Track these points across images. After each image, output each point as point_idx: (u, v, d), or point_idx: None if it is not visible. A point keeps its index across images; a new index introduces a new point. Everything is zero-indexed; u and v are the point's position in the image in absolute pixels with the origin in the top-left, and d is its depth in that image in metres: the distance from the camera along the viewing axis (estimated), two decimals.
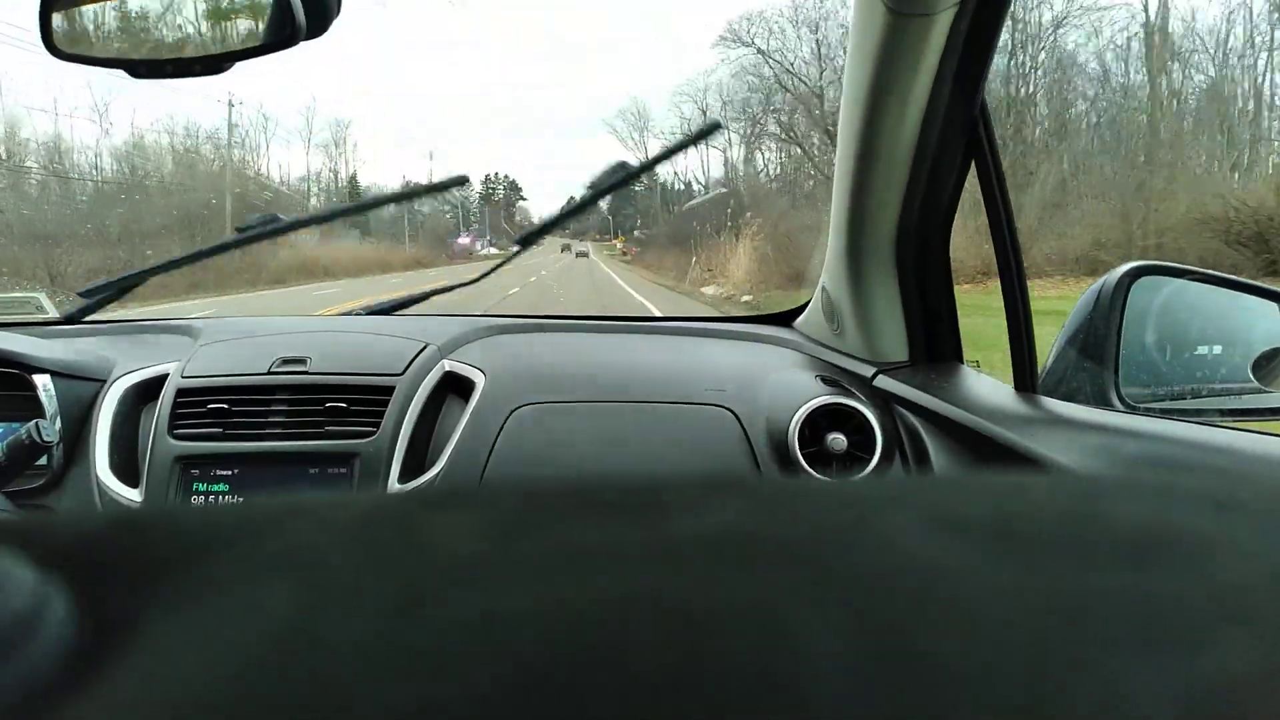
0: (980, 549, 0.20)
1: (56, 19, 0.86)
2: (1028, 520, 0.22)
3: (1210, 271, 1.02)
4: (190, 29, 0.86)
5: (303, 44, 0.80)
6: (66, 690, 0.16)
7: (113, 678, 0.17)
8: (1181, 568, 0.20)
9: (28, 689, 0.16)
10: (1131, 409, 0.90)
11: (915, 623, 0.17)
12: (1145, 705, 0.15)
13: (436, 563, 0.20)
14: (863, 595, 0.18)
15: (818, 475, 1.09)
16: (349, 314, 1.61)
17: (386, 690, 0.16)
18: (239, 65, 0.83)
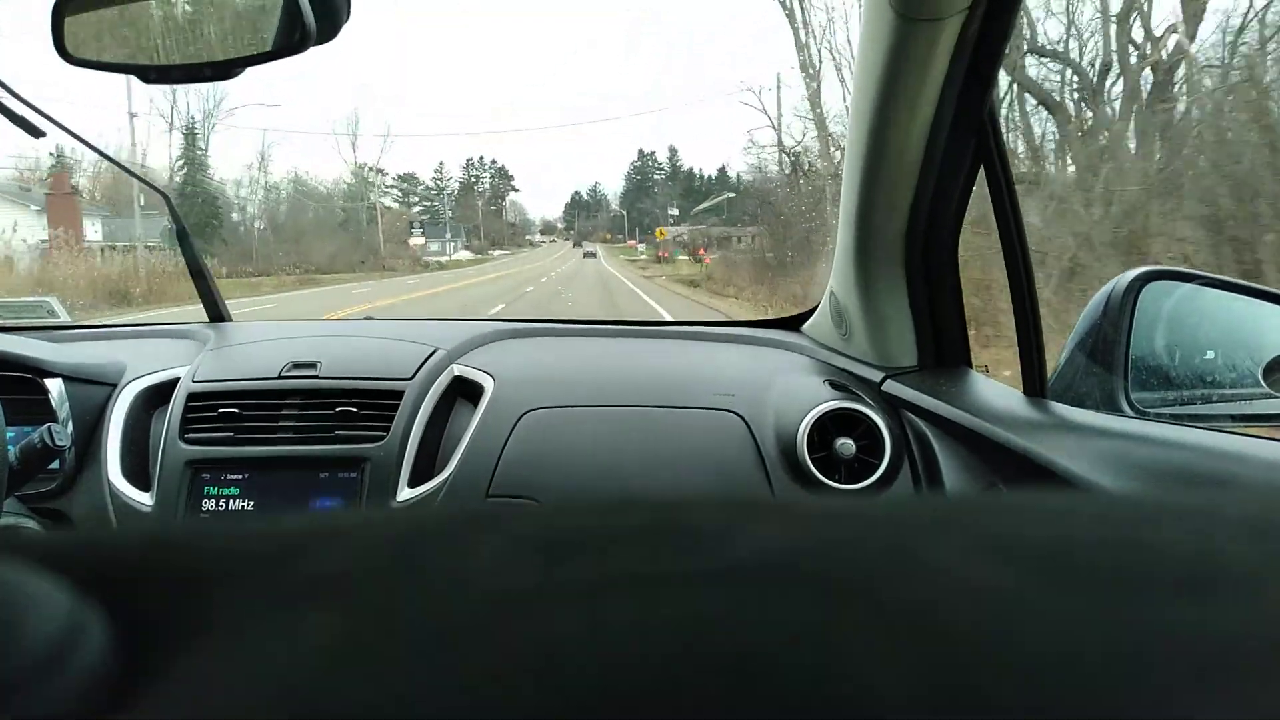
0: (1032, 578, 0.20)
1: (69, 24, 0.86)
2: (1076, 548, 0.22)
3: (1220, 276, 1.01)
4: (200, 34, 0.86)
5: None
6: (103, 716, 0.16)
7: (151, 705, 0.16)
8: (1237, 602, 0.19)
9: (65, 715, 0.16)
10: (1141, 414, 0.90)
11: (976, 656, 0.17)
12: None
13: (478, 589, 0.20)
14: (920, 627, 0.18)
15: (827, 481, 1.08)
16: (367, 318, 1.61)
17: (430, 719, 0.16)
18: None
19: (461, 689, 0.16)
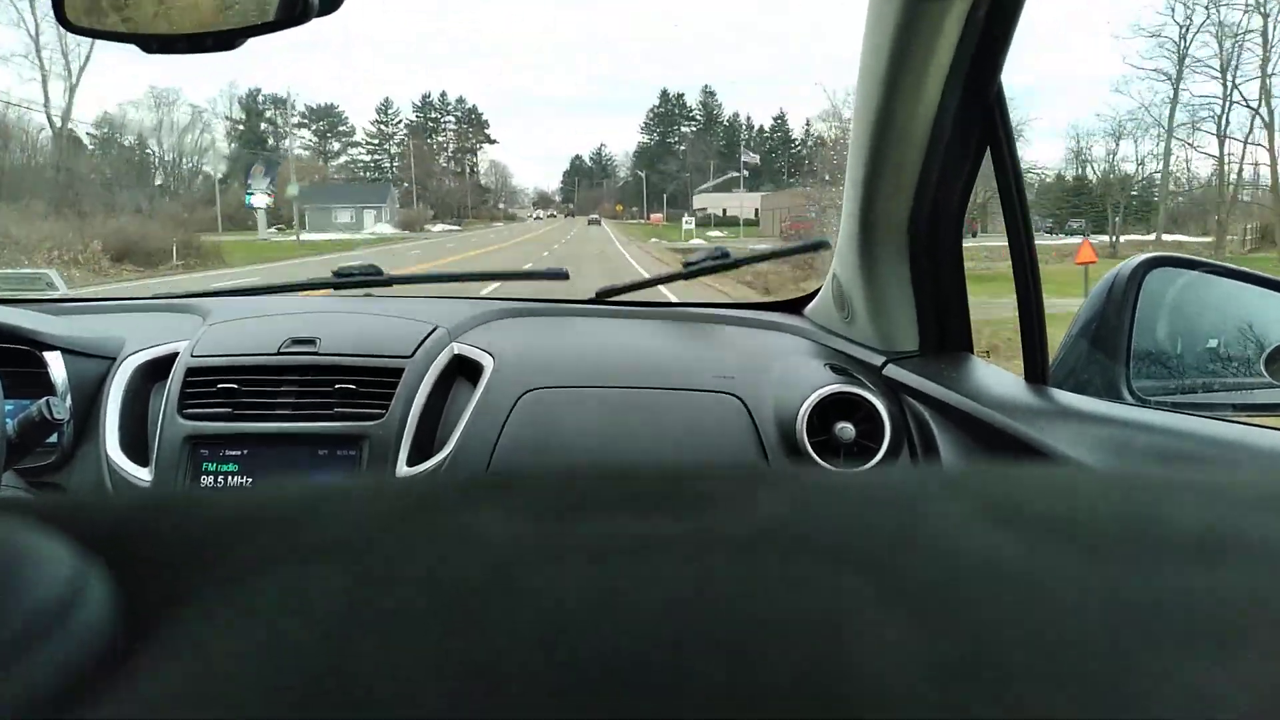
0: (1039, 546, 0.20)
1: None
2: (1085, 515, 0.22)
3: (1225, 264, 1.01)
4: (203, 4, 0.85)
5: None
6: (105, 675, 0.16)
7: (152, 664, 0.16)
8: (1250, 570, 0.19)
9: (66, 674, 0.16)
10: (1142, 402, 0.90)
11: (983, 623, 0.17)
12: (1226, 708, 0.15)
13: (484, 552, 0.20)
14: (926, 594, 0.18)
15: (826, 465, 1.08)
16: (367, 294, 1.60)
17: (437, 682, 0.16)
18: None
19: (467, 651, 0.16)
